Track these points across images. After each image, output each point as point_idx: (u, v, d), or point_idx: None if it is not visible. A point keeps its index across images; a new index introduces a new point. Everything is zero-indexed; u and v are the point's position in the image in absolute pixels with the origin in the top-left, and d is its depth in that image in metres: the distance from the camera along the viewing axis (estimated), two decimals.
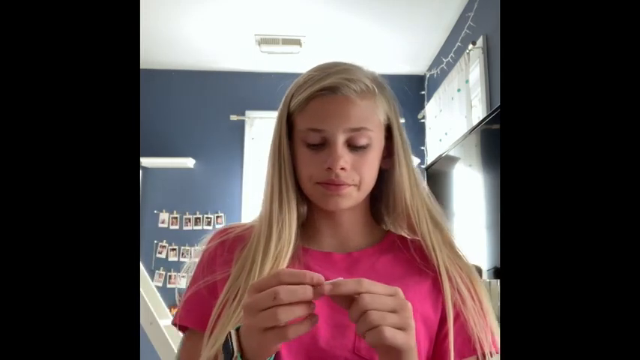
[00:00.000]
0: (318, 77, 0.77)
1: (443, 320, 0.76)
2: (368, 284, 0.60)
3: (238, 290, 0.72)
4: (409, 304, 0.61)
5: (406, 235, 0.85)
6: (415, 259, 0.80)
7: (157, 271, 3.97)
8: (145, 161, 4.07)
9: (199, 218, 4.07)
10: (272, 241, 0.75)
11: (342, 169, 0.75)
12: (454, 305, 0.76)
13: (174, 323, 0.82)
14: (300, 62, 4.02)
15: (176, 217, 4.14)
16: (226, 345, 0.62)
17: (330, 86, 0.75)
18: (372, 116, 0.78)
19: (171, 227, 4.07)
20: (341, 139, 0.75)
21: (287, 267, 0.74)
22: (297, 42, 3.82)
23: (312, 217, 0.83)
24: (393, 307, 0.60)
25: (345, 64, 0.80)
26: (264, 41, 3.81)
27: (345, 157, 0.75)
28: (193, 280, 0.80)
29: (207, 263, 0.80)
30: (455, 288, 0.77)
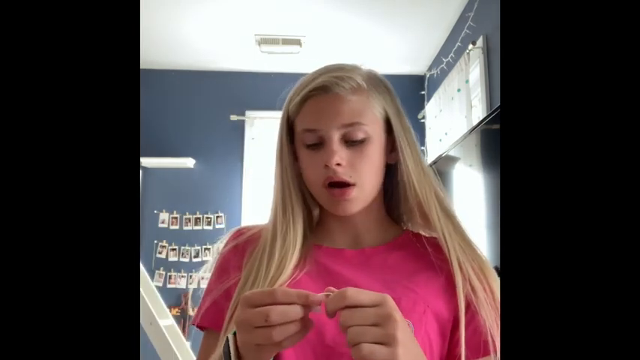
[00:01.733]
0: (310, 79, 0.79)
1: (458, 319, 0.74)
2: (352, 294, 0.58)
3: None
4: (397, 315, 0.58)
5: (423, 233, 0.85)
6: (428, 254, 0.79)
7: (156, 271, 3.97)
8: (145, 161, 4.07)
9: (199, 218, 4.07)
10: (277, 244, 0.77)
11: (338, 164, 0.75)
12: (466, 298, 0.74)
13: (193, 323, 0.83)
14: (300, 62, 4.02)
15: (176, 217, 4.13)
16: (225, 349, 0.63)
17: (320, 86, 0.77)
18: (366, 111, 0.78)
19: (172, 227, 4.07)
20: (336, 136, 0.76)
21: (295, 266, 0.76)
22: (297, 42, 3.82)
23: (325, 217, 0.84)
24: (374, 320, 0.57)
25: (341, 64, 0.81)
26: (264, 41, 3.81)
27: (340, 153, 0.75)
28: (210, 282, 0.83)
29: (222, 267, 0.82)
30: (467, 280, 0.75)
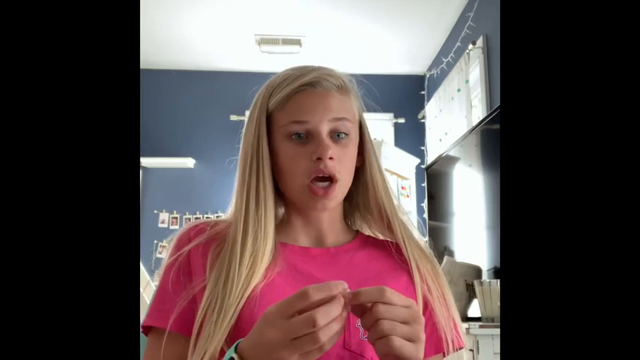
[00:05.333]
0: (296, 75, 0.80)
1: None
2: (389, 293, 0.60)
3: (217, 297, 0.70)
4: (422, 318, 0.62)
5: (376, 235, 0.87)
6: (388, 255, 0.82)
7: (156, 271, 3.96)
8: (145, 161, 4.07)
9: (199, 218, 4.06)
10: (248, 241, 0.75)
11: (331, 158, 0.75)
12: (424, 297, 0.78)
13: (154, 324, 0.77)
14: (300, 62, 4.00)
15: (176, 217, 4.14)
16: None
17: (310, 81, 0.78)
18: (350, 110, 0.80)
19: (172, 227, 4.07)
20: (325, 129, 0.77)
21: (267, 266, 0.74)
22: (297, 42, 3.82)
23: (289, 215, 0.83)
24: (405, 318, 0.60)
25: (317, 65, 0.83)
26: (264, 41, 3.81)
27: (332, 147, 0.76)
28: (166, 281, 0.77)
29: (184, 267, 0.77)
30: (424, 281, 0.79)
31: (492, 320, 1.83)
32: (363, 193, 0.84)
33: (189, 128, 4.24)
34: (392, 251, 0.82)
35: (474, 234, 2.46)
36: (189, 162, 4.16)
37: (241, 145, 0.84)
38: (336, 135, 0.77)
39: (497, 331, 1.70)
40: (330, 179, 0.76)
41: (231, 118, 4.16)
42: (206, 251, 0.77)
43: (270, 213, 0.77)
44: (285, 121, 0.77)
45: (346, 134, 0.78)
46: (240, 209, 0.77)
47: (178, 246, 0.79)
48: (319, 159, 0.75)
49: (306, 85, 0.78)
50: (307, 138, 0.77)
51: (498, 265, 2.15)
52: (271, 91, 0.80)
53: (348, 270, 0.79)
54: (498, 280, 1.88)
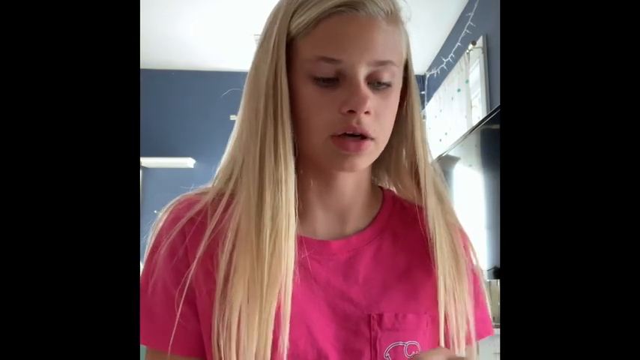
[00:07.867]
0: None
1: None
2: None
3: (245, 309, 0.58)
4: None
5: (402, 197, 0.72)
6: (422, 236, 0.67)
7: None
8: (145, 161, 4.07)
9: None
10: (266, 212, 0.58)
11: (367, 112, 0.58)
12: (445, 309, 0.66)
13: (154, 347, 0.64)
14: None
15: None
16: None
17: (352, 1, 0.58)
18: (397, 47, 0.61)
19: None
20: (363, 73, 0.58)
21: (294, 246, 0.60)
22: None
23: (303, 184, 0.64)
24: None
25: None
26: None
27: (370, 98, 0.58)
28: (167, 298, 0.65)
29: (187, 279, 0.64)
30: (445, 287, 0.66)
31: (492, 320, 1.83)
32: (397, 153, 0.69)
33: (189, 128, 4.24)
34: (419, 225, 0.67)
35: (474, 234, 2.46)
36: (189, 162, 4.16)
37: (249, 78, 0.68)
38: (375, 83, 0.59)
39: (498, 331, 1.70)
40: (362, 137, 0.59)
41: (232, 118, 4.14)
42: (214, 246, 0.63)
43: (290, 173, 0.60)
44: (311, 54, 0.58)
45: (388, 85, 0.60)
46: (253, 167, 0.60)
47: (173, 248, 0.68)
48: (351, 112, 0.57)
49: (345, 6, 0.57)
50: (336, 80, 0.58)
51: (498, 265, 2.15)
52: (296, 6, 0.59)
53: (373, 273, 0.65)
54: (498, 280, 1.88)
